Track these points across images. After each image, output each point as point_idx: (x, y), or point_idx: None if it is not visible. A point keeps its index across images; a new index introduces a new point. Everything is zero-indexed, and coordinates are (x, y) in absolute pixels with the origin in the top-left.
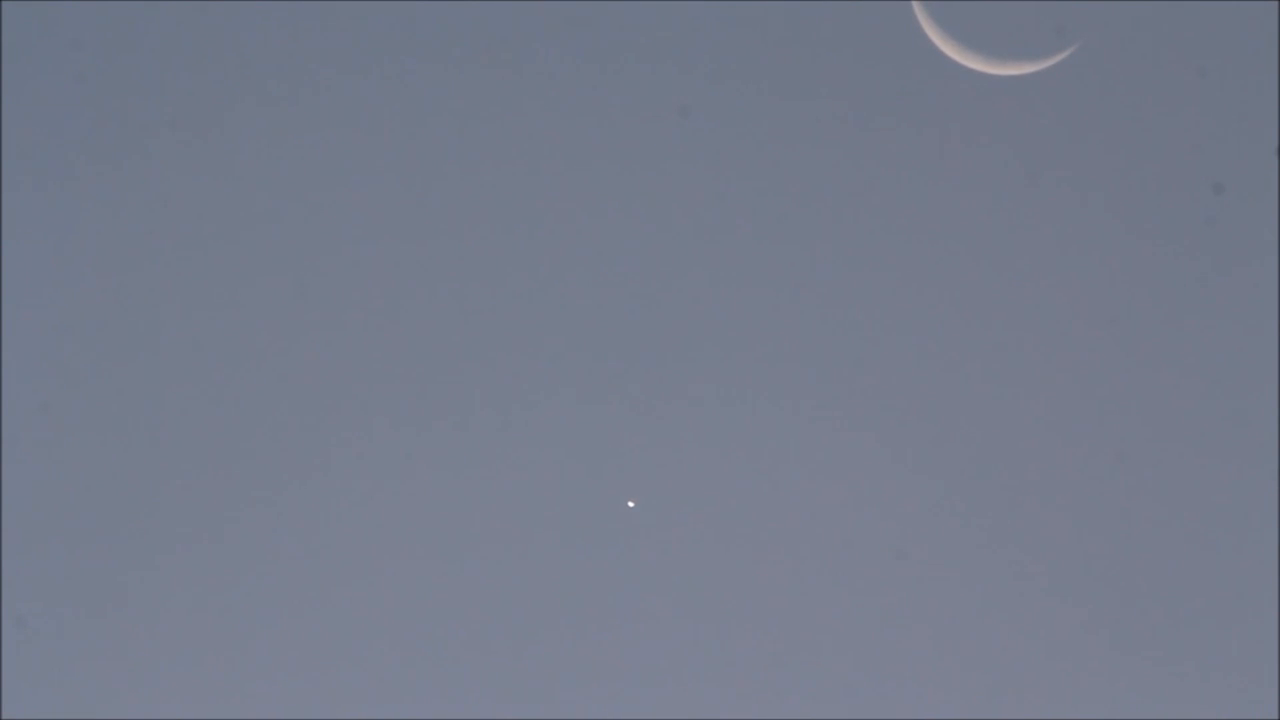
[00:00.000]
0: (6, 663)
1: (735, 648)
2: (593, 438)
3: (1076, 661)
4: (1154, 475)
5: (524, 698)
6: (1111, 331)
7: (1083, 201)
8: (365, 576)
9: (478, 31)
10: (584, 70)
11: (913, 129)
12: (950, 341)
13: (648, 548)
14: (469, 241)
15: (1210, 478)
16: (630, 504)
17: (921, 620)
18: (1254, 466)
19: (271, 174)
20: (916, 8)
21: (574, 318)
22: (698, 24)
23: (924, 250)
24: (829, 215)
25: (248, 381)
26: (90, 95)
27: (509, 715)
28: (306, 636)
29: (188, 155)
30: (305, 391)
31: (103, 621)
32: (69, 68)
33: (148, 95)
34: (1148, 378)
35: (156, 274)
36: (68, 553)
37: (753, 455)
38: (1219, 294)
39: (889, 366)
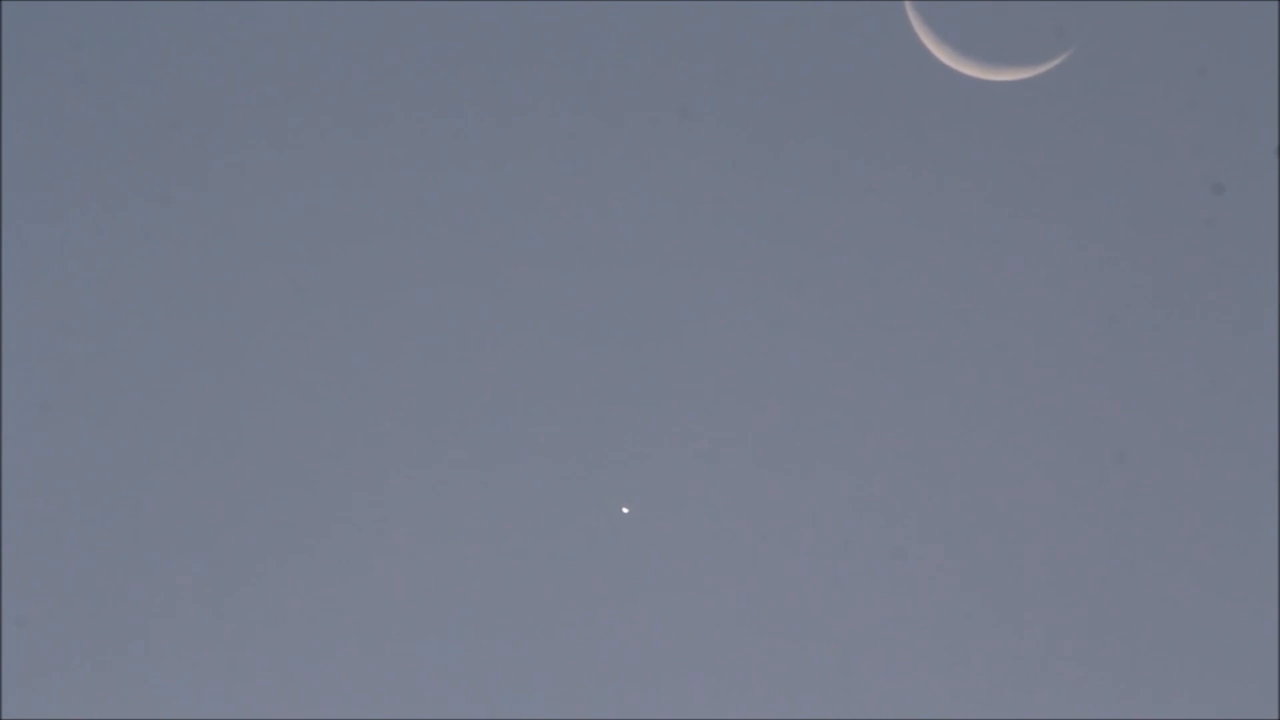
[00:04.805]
0: (6, 663)
1: (734, 650)
2: (590, 441)
3: (1076, 661)
4: (1154, 475)
5: (524, 700)
6: (1111, 331)
7: (1083, 202)
8: (365, 580)
9: (478, 31)
10: (584, 70)
11: (910, 133)
12: (950, 343)
13: (644, 552)
14: (467, 243)
15: (1210, 478)
16: (625, 509)
17: (921, 620)
18: (1254, 466)
19: (272, 174)
20: (909, 10)
21: (573, 319)
22: (697, 26)
23: (924, 253)
24: (826, 220)
25: (246, 379)
26: (90, 95)
27: (510, 716)
28: (307, 635)
29: (188, 155)
30: (302, 390)
31: (103, 621)
32: (69, 68)
33: (148, 95)
34: (1148, 378)
35: (157, 274)
36: (68, 553)
37: (751, 456)
38: (1219, 294)
39: (888, 367)
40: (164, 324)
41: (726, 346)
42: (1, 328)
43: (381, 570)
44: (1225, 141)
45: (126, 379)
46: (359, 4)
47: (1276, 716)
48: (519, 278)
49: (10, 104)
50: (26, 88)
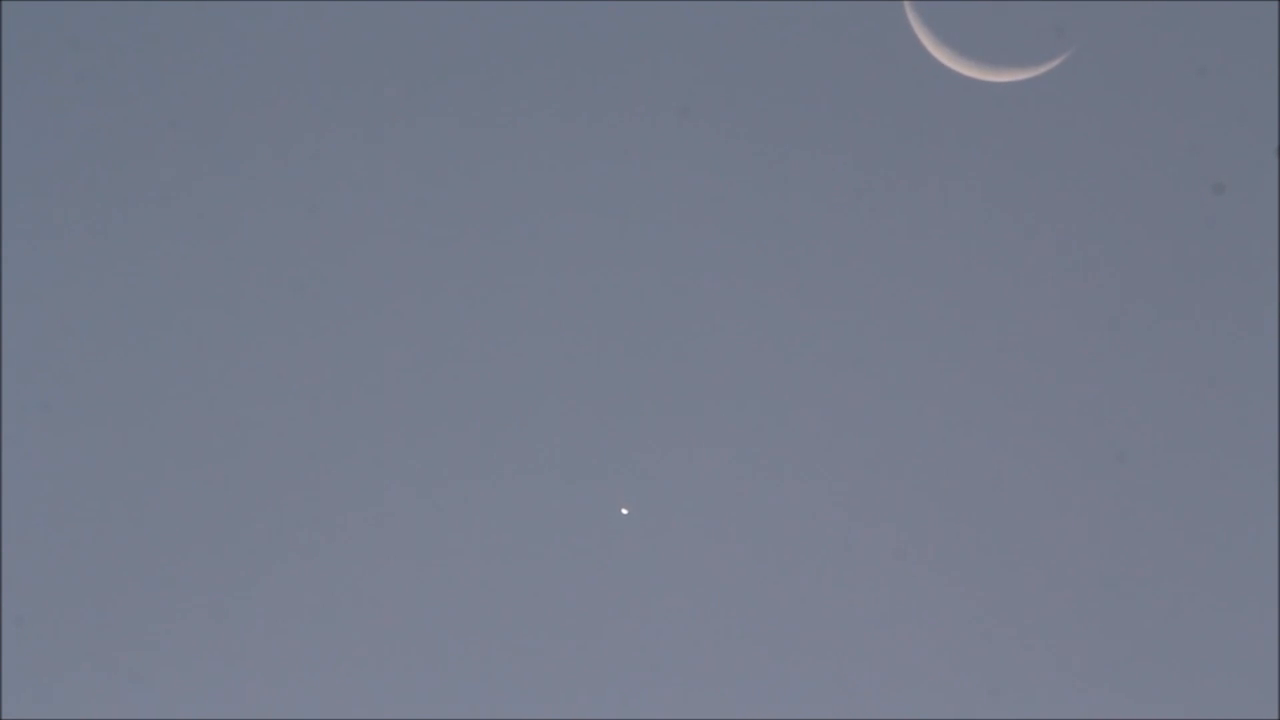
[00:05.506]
0: (6, 663)
1: (734, 650)
2: (589, 441)
3: (1076, 661)
4: (1154, 475)
5: (524, 701)
6: (1111, 332)
7: (1082, 202)
8: (364, 580)
9: (478, 31)
10: (584, 70)
11: (909, 134)
12: (950, 344)
13: (643, 552)
14: (466, 243)
15: (1210, 478)
16: (624, 511)
17: (921, 621)
18: (1254, 466)
19: (272, 174)
20: (909, 10)
21: (571, 320)
22: (697, 26)
23: (923, 254)
24: (825, 221)
25: (247, 380)
26: (90, 95)
27: (510, 716)
28: (307, 635)
29: (188, 155)
30: (302, 391)
31: (103, 621)
32: (69, 68)
33: (148, 95)
34: (1148, 378)
35: (157, 274)
36: (68, 553)
37: (751, 456)
38: (1219, 294)
39: (887, 368)
40: (164, 324)
41: (726, 347)
42: (1, 328)
43: (380, 571)
44: (1225, 141)
45: (126, 379)
46: (359, 4)
47: (1276, 717)
48: (517, 279)
49: (10, 104)
50: (26, 88)
